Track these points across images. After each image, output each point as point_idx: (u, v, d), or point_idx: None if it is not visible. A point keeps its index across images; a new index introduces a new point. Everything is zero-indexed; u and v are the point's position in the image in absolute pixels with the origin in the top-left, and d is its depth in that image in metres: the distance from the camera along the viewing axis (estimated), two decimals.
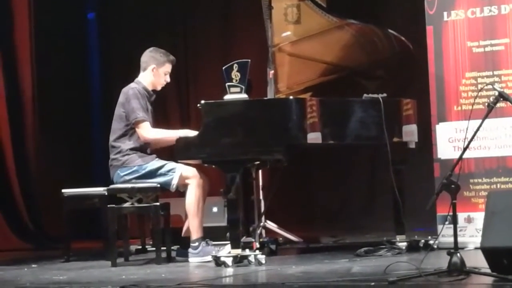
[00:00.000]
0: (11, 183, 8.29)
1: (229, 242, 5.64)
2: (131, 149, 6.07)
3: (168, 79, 6.27)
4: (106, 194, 6.15)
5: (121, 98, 6.16)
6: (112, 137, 6.15)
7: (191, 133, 5.90)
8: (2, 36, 8.36)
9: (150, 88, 6.23)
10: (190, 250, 5.95)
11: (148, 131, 6.06)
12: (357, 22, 6.40)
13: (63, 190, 6.45)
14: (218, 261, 5.54)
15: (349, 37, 6.39)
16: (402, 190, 6.11)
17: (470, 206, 6.08)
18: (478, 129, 4.62)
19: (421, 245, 6.11)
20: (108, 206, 5.99)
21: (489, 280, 4.27)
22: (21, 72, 8.49)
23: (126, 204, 6.05)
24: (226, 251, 5.64)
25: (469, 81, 6.19)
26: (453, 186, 4.46)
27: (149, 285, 4.66)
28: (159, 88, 6.29)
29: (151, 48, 6.28)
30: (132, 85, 6.19)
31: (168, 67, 6.25)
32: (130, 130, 6.08)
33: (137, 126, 6.05)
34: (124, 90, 6.18)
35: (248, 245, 5.70)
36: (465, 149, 4.61)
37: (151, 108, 6.22)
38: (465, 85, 6.20)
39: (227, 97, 5.72)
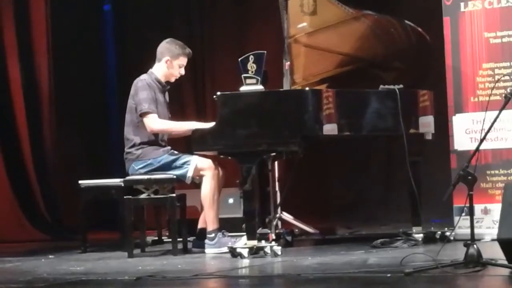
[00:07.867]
0: (28, 174, 8.31)
1: (245, 233, 5.65)
2: (145, 142, 6.07)
3: (183, 72, 6.24)
4: (123, 185, 6.16)
5: (132, 90, 6.15)
6: (126, 129, 6.16)
7: (199, 125, 5.90)
8: (19, 27, 8.37)
9: (163, 79, 6.21)
10: (206, 241, 5.96)
11: (153, 122, 6.03)
12: (374, 13, 6.37)
13: (80, 181, 6.46)
14: (234, 253, 5.55)
15: (365, 28, 6.36)
16: (418, 182, 6.09)
17: (487, 197, 6.06)
18: (495, 120, 4.59)
19: (438, 236, 6.10)
20: (125, 197, 6.01)
21: (506, 271, 4.26)
22: (38, 63, 8.49)
23: (143, 196, 6.06)
24: (242, 243, 5.65)
25: (486, 72, 6.16)
26: (469, 177, 4.45)
27: (166, 276, 4.67)
28: (172, 80, 6.27)
29: (168, 39, 6.25)
30: (142, 76, 6.17)
31: (183, 60, 6.20)
32: (142, 122, 6.07)
33: (144, 117, 6.04)
34: (134, 82, 6.16)
35: (264, 237, 5.71)
36: (482, 141, 4.59)
37: (163, 99, 6.20)
38: (482, 76, 6.17)
39: (243, 88, 5.72)
